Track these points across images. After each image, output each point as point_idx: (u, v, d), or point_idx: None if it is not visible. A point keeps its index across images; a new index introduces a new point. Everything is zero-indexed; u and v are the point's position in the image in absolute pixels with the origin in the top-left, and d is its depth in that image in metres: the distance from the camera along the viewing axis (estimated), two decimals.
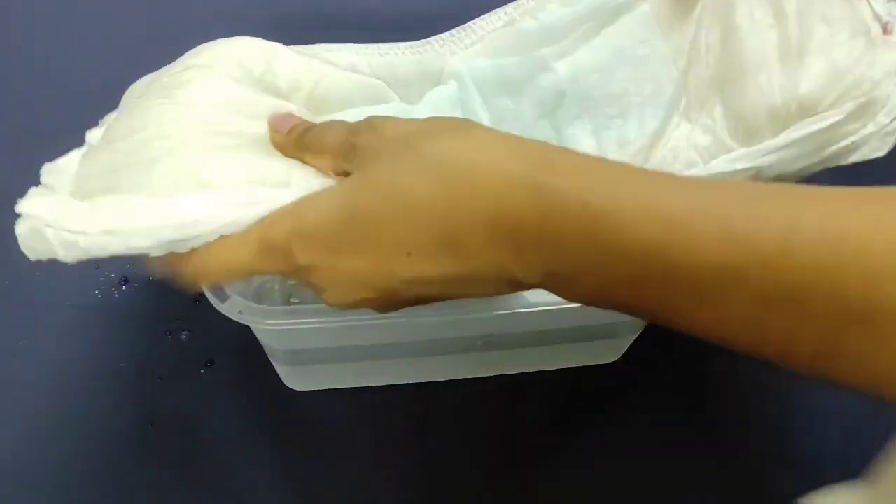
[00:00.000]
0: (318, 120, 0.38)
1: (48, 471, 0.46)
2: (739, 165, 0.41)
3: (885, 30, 0.40)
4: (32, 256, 0.34)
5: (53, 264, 0.53)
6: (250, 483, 0.47)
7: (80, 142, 0.59)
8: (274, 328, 0.40)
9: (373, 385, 0.50)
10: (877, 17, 0.40)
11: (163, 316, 0.52)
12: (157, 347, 0.51)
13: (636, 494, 0.48)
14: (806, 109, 0.41)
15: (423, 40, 0.48)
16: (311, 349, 0.46)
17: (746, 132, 0.43)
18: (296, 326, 0.39)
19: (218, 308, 0.38)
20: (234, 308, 0.38)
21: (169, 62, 0.41)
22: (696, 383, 0.52)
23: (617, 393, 0.51)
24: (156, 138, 0.36)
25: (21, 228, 0.34)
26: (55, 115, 0.61)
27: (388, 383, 0.50)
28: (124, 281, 0.53)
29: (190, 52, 0.41)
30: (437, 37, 0.48)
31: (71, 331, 0.51)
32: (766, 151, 0.40)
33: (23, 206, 0.35)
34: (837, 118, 0.39)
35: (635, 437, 0.50)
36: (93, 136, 0.40)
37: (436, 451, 0.49)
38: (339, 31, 0.64)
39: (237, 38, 0.41)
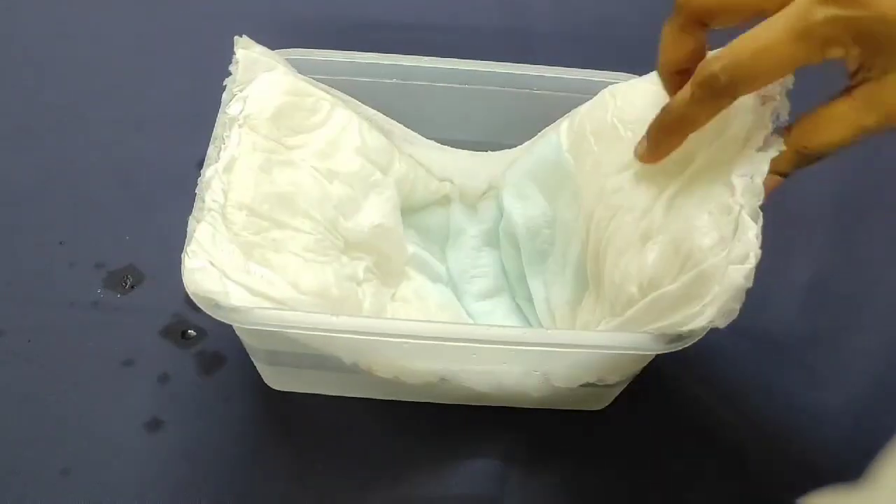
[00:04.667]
0: None
1: (48, 471, 0.47)
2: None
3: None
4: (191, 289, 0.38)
5: (53, 263, 0.54)
6: (253, 483, 0.47)
7: (81, 140, 0.60)
8: (243, 327, 0.40)
9: (352, 396, 0.50)
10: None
11: (164, 316, 0.52)
12: (158, 347, 0.51)
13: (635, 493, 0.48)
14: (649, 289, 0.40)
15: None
16: (288, 352, 0.45)
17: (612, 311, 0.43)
18: (262, 328, 0.39)
19: (193, 299, 0.38)
20: (209, 303, 0.38)
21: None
22: (694, 388, 0.52)
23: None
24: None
25: (193, 263, 0.38)
26: (56, 113, 0.61)
27: (362, 396, 0.49)
28: (126, 280, 0.53)
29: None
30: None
31: (71, 330, 0.51)
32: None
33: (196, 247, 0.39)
34: (675, 292, 0.37)
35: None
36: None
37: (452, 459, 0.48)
38: (356, 37, 0.65)
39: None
